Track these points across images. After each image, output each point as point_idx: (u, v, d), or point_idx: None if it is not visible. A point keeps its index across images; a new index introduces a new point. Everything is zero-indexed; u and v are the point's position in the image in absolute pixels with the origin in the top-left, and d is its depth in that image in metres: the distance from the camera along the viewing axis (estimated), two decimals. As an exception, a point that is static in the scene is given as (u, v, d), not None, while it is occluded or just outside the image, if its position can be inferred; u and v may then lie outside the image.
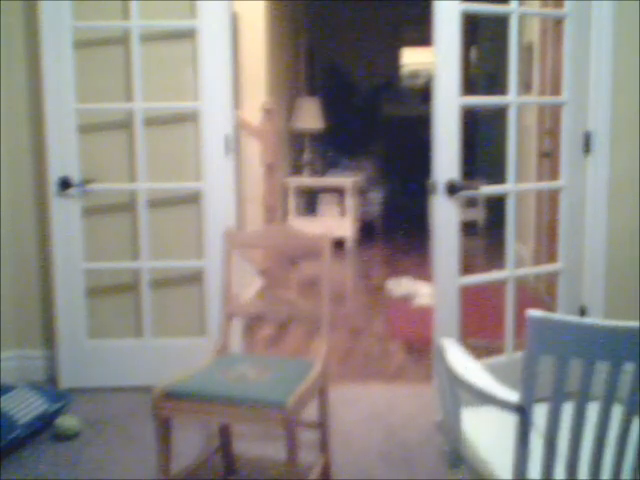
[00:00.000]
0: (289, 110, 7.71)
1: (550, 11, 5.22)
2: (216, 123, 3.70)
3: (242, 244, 3.15)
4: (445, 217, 3.28)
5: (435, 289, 3.36)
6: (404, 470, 2.94)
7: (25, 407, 3.19)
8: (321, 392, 2.77)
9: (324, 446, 2.85)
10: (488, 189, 3.81)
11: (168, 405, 2.49)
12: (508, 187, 3.41)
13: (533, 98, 5.89)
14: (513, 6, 3.28)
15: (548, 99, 5.53)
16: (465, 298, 3.36)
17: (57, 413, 3.31)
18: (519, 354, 3.45)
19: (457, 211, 3.29)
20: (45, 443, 3.20)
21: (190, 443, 3.16)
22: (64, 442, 3.20)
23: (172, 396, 2.49)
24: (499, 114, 3.42)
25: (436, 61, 3.21)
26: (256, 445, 3.17)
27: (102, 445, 3.18)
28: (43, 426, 3.26)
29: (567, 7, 3.41)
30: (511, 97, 3.35)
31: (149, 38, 3.71)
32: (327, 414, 2.83)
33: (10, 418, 3.09)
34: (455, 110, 3.22)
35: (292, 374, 2.64)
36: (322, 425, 2.84)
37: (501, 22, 3.47)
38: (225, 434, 2.94)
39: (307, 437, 3.08)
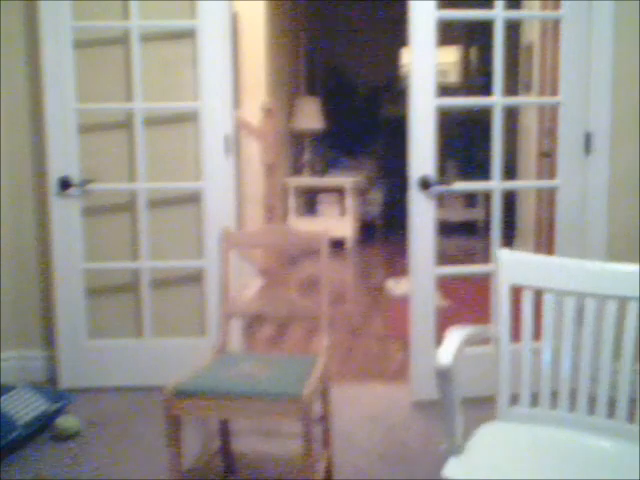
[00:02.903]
0: (289, 110, 7.71)
1: (543, 13, 5.23)
2: (216, 123, 3.70)
3: (240, 244, 3.15)
4: (420, 210, 3.46)
5: (412, 279, 3.52)
6: (404, 470, 2.94)
7: (25, 407, 3.19)
8: (323, 387, 2.77)
9: (326, 441, 2.84)
10: (467, 185, 3.94)
11: (180, 404, 2.47)
12: (493, 184, 3.52)
13: (521, 99, 5.92)
14: (497, 11, 3.34)
15: (539, 99, 5.56)
16: (463, 297, 3.38)
17: (57, 413, 3.31)
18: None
19: (432, 204, 3.46)
20: (45, 443, 3.20)
21: (189, 443, 3.16)
22: (64, 442, 3.20)
23: (183, 394, 2.47)
24: (505, 114, 3.46)
25: (412, 64, 3.37)
26: (256, 444, 3.17)
27: (102, 445, 3.18)
28: (43, 426, 3.26)
29: (564, 8, 3.43)
30: (495, 98, 3.43)
31: (149, 38, 3.71)
32: (329, 409, 2.83)
33: (10, 418, 3.09)
34: (430, 111, 3.40)
35: (297, 369, 2.64)
36: (324, 420, 2.84)
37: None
38: (225, 433, 2.94)
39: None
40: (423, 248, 3.48)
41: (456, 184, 3.54)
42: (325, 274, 2.87)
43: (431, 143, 3.42)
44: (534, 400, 2.25)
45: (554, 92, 4.31)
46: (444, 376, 2.01)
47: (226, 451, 2.95)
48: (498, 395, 2.28)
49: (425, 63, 3.36)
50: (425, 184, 3.40)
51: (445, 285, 3.70)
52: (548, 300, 2.24)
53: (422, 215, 3.46)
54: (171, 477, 2.53)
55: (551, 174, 4.71)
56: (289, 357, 2.94)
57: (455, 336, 2.12)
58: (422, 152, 3.42)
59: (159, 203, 3.81)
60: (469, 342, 2.17)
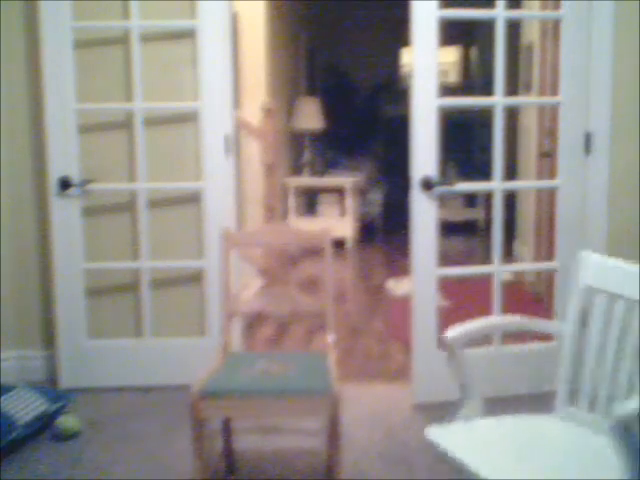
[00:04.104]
0: (289, 110, 7.71)
1: (543, 13, 5.23)
2: (216, 123, 3.70)
3: (240, 243, 3.15)
4: (422, 211, 3.45)
5: (413, 280, 3.51)
6: (404, 470, 2.94)
7: (25, 407, 3.19)
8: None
9: (333, 437, 2.83)
10: (469, 186, 3.96)
11: (206, 406, 2.46)
12: (494, 185, 3.52)
13: (521, 99, 5.93)
14: (498, 10, 3.35)
15: (540, 99, 5.56)
16: (463, 296, 3.39)
17: (57, 413, 3.31)
18: (507, 347, 3.58)
19: (434, 205, 3.45)
20: (45, 443, 3.20)
21: (190, 443, 3.16)
22: (64, 442, 3.19)
23: (210, 396, 2.46)
24: (505, 114, 3.47)
25: (414, 64, 3.36)
26: (256, 444, 3.17)
27: (102, 445, 3.18)
28: (43, 426, 3.26)
29: (564, 8, 3.43)
30: (497, 98, 3.44)
31: (149, 38, 3.70)
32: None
33: (10, 418, 3.09)
34: (433, 111, 3.39)
35: (312, 366, 2.66)
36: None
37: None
38: (227, 432, 2.94)
39: (305, 438, 3.08)
40: (425, 249, 3.47)
41: (458, 185, 3.53)
42: (329, 272, 2.88)
43: (433, 143, 3.40)
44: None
45: (554, 92, 4.31)
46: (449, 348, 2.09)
47: (228, 451, 2.95)
48: (557, 392, 2.30)
49: (427, 63, 3.35)
50: (427, 185, 3.38)
51: (445, 285, 3.69)
52: (618, 307, 2.20)
53: (424, 216, 3.44)
54: (196, 478, 2.52)
55: (551, 174, 4.72)
56: (298, 354, 2.95)
57: (484, 322, 2.16)
58: (424, 152, 3.40)
59: (159, 203, 3.81)
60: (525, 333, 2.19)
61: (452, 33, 3.30)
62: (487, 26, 3.42)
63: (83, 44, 3.69)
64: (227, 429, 2.94)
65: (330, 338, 2.86)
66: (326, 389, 2.44)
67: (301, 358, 2.82)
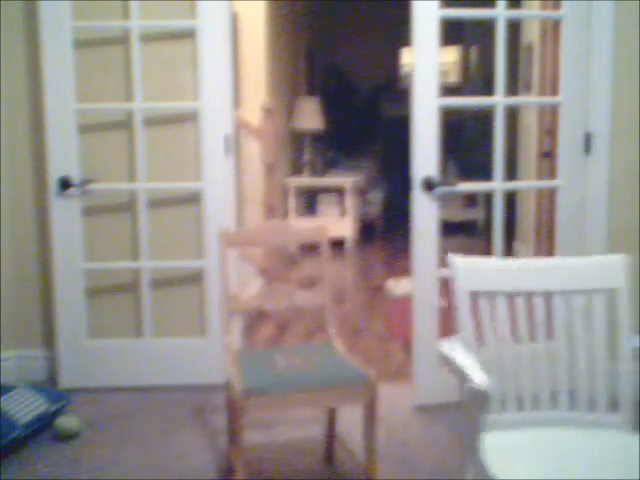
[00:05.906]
0: (289, 110, 7.71)
1: (543, 13, 5.23)
2: (216, 123, 3.70)
3: (238, 242, 3.15)
4: (423, 211, 3.43)
5: (414, 282, 3.50)
6: (404, 470, 2.94)
7: (25, 407, 3.19)
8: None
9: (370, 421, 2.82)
10: (470, 186, 3.97)
11: (252, 404, 2.47)
12: (494, 185, 3.51)
13: (522, 99, 5.92)
14: (499, 10, 3.35)
15: (540, 99, 5.55)
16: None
17: (57, 413, 3.31)
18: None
19: (435, 206, 3.43)
20: (45, 443, 3.20)
21: (190, 443, 3.16)
22: (64, 442, 3.20)
23: (254, 395, 2.46)
24: (505, 114, 3.47)
25: (415, 64, 3.35)
26: (259, 439, 3.17)
27: (102, 445, 3.18)
28: (43, 426, 3.26)
29: (564, 8, 3.43)
30: (497, 98, 3.43)
31: (149, 38, 3.71)
32: None
33: (10, 418, 3.09)
34: (433, 111, 3.38)
35: (330, 356, 2.70)
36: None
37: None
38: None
39: (304, 427, 3.07)
40: (426, 250, 3.45)
41: (459, 185, 3.52)
42: (326, 267, 2.88)
43: (434, 143, 3.39)
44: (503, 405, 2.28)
45: (554, 92, 4.31)
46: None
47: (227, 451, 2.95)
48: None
49: (428, 62, 3.35)
50: (428, 185, 3.37)
51: (445, 285, 3.69)
52: (500, 302, 2.27)
53: (425, 216, 3.43)
54: (234, 477, 2.55)
55: (551, 174, 4.72)
56: (307, 348, 2.97)
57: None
58: (425, 152, 3.39)
59: (159, 203, 3.81)
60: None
61: (452, 33, 3.30)
62: (487, 26, 3.42)
63: (83, 44, 3.69)
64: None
65: (331, 330, 2.90)
66: (363, 376, 2.50)
67: (312, 351, 2.85)
